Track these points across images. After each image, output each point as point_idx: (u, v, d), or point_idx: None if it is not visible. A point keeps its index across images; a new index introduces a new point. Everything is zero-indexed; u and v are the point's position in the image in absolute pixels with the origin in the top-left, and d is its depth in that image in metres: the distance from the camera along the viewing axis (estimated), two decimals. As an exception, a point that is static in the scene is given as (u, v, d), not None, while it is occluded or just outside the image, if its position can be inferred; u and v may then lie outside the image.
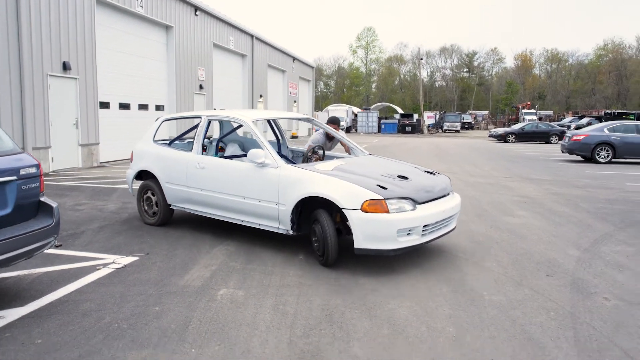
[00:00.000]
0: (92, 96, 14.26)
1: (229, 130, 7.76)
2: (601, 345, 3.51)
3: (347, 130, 46.50)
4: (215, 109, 23.12)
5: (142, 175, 7.10)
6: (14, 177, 3.78)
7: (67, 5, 13.14)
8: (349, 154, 7.32)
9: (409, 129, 47.15)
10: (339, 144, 8.00)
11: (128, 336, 3.48)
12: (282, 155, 7.46)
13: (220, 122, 7.65)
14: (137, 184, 7.40)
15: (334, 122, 8.08)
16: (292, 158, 7.60)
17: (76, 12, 13.51)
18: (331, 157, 6.87)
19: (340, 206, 4.81)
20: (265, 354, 3.26)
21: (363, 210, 4.69)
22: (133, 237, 6.28)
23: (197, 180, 6.19)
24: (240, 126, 7.49)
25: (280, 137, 7.86)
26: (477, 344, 3.50)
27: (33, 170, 3.97)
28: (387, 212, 4.69)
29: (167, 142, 7.28)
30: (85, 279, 4.62)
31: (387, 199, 4.75)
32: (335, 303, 4.18)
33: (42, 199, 4.07)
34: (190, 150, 6.49)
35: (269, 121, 7.61)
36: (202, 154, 6.44)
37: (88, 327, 3.61)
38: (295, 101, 37.43)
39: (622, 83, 78.26)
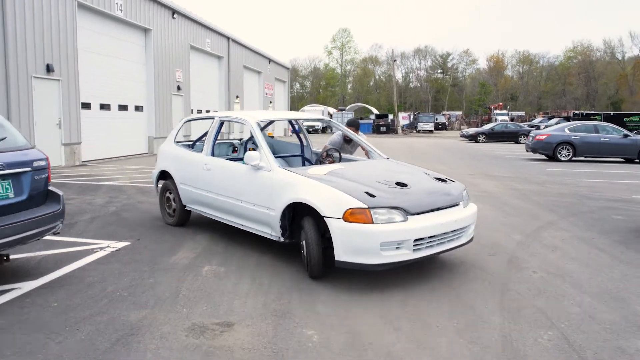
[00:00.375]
0: (74, 97, 14.72)
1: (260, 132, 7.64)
2: (521, 305, 4.29)
3: (323, 130, 47.16)
4: (192, 110, 23.66)
5: (165, 175, 7.11)
6: (29, 169, 4.42)
7: (50, 9, 13.59)
8: (368, 157, 6.94)
9: (383, 129, 48.03)
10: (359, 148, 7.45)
11: (129, 301, 4.15)
12: (305, 159, 7.46)
13: (265, 126, 7.42)
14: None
15: (352, 124, 7.63)
16: (315, 162, 7.25)
17: (59, 16, 13.96)
18: (348, 160, 6.60)
19: (321, 214, 4.49)
20: (244, 312, 3.97)
21: (345, 219, 4.34)
22: (123, 226, 6.91)
23: (204, 182, 6.17)
24: (267, 126, 7.50)
25: (304, 140, 7.54)
26: (420, 305, 4.24)
27: (43, 163, 4.61)
28: (371, 222, 4.30)
29: (190, 143, 7.27)
30: (86, 260, 5.27)
31: (373, 208, 4.36)
32: (304, 277, 4.88)
33: (50, 188, 4.71)
34: (201, 151, 6.47)
35: (291, 123, 7.55)
36: (215, 155, 6.36)
37: (94, 295, 4.27)
38: (271, 102, 38.06)
39: (591, 84, 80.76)
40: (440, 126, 57.55)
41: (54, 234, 4.87)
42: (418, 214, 4.57)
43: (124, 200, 8.94)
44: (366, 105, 71.73)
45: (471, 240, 5.32)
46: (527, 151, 20.73)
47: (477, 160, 19.44)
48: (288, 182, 4.98)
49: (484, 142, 33.86)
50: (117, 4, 16.90)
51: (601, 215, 8.32)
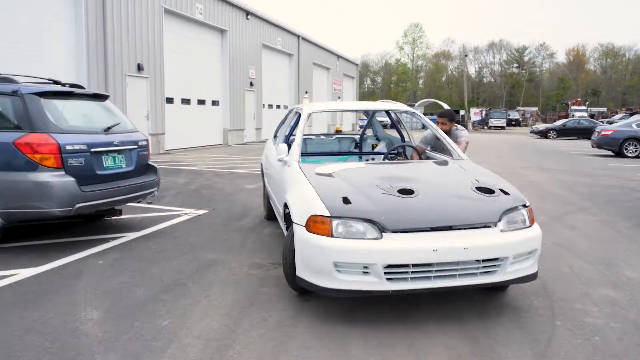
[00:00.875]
0: (159, 93, 16.59)
1: (377, 126, 7.39)
2: (519, 264, 5.17)
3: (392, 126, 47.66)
4: (264, 105, 25.32)
5: None
6: (135, 146, 5.87)
7: (141, 16, 15.48)
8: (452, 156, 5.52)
9: (453, 125, 47.86)
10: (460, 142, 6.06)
11: (207, 248, 5.49)
12: (405, 155, 6.41)
13: (369, 118, 7.32)
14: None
15: (443, 116, 6.20)
16: (383, 159, 6.32)
17: (148, 21, 15.84)
18: (432, 158, 5.61)
19: (292, 219, 3.89)
20: (292, 257, 5.17)
21: (307, 227, 3.62)
22: (202, 200, 8.36)
23: (267, 175, 6.23)
24: (373, 116, 7.30)
25: (405, 135, 6.83)
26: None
27: (144, 142, 6.07)
28: (329, 235, 3.51)
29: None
30: (174, 221, 6.71)
31: (338, 217, 3.54)
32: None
33: (149, 162, 6.14)
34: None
35: (389, 116, 6.97)
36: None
37: (181, 243, 5.65)
38: (339, 97, 39.26)
39: (682, 79, 75.97)
40: (513, 122, 56.29)
41: (148, 203, 6.28)
42: (402, 231, 3.53)
43: (202, 181, 10.45)
44: (437, 101, 70.71)
45: (522, 280, 3.89)
46: (592, 147, 20.59)
47: (538, 154, 19.65)
48: (292, 179, 4.45)
49: (554, 139, 33.13)
50: (197, 7, 18.68)
51: (637, 205, 8.79)
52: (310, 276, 3.60)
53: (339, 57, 38.78)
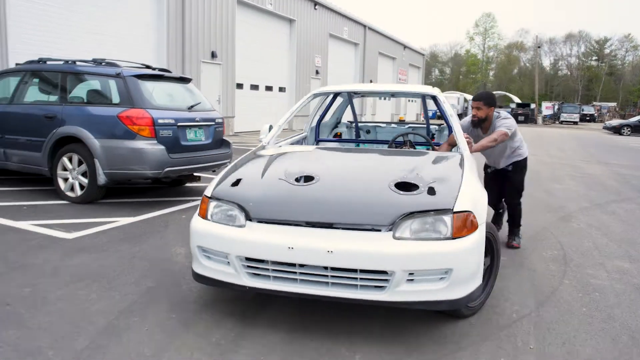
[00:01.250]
0: (231, 79, 17.77)
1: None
2: (546, 238, 5.71)
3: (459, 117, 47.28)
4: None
5: None
6: (213, 123, 6.83)
7: (216, 6, 16.67)
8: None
9: (521, 118, 46.63)
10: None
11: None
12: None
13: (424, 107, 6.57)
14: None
15: (477, 99, 5.11)
16: (389, 146, 5.58)
17: (222, 11, 17.01)
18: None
19: None
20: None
21: (199, 208, 3.44)
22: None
23: None
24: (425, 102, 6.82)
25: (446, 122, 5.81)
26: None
27: (220, 120, 7.03)
28: (204, 217, 3.34)
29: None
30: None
31: (216, 199, 3.31)
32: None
33: (224, 137, 7.10)
34: None
35: (437, 104, 5.68)
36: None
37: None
38: (404, 87, 39.46)
39: None
40: (587, 118, 54.05)
41: (212, 171, 7.28)
42: (267, 222, 3.12)
43: (267, 160, 11.43)
44: (507, 94, 69.52)
45: (430, 305, 3.03)
46: (663, 143, 20.04)
47: (604, 150, 19.34)
48: None
49: (628, 135, 31.90)
50: (268, -2, 19.74)
51: (688, 197, 8.93)
52: (193, 259, 3.42)
53: (405, 47, 38.98)
